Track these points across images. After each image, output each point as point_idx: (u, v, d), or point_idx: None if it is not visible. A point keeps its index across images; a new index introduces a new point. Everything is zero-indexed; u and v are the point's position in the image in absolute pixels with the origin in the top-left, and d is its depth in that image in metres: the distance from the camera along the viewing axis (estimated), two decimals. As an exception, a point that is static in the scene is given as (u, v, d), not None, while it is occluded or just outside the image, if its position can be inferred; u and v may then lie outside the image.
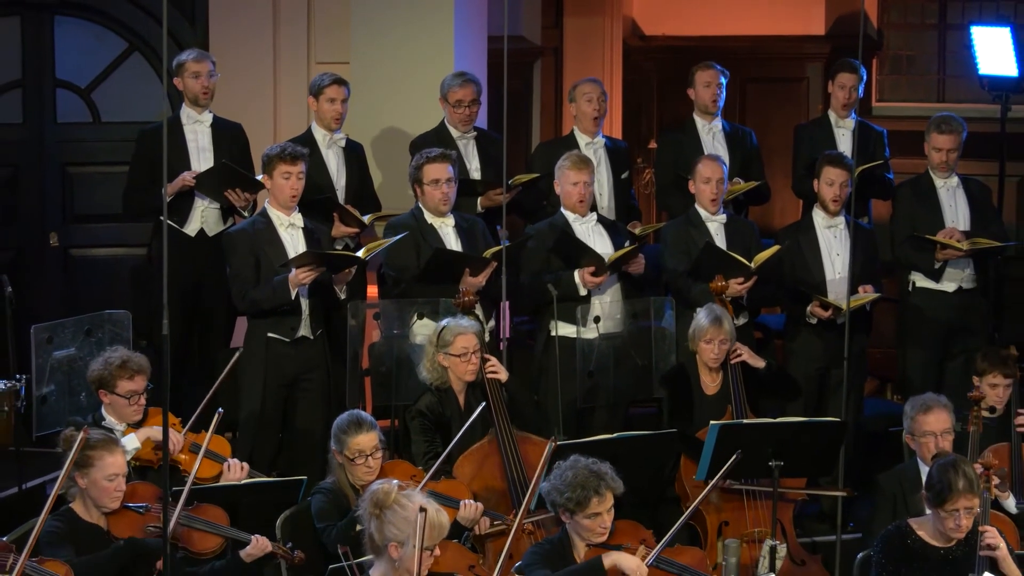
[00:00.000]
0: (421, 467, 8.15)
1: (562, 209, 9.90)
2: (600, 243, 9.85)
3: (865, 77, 11.09)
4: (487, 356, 8.72)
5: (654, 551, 7.18)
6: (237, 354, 8.10)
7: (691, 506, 7.78)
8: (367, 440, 7.80)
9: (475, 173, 10.55)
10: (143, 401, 8.15)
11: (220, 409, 7.74)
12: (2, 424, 9.03)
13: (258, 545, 7.43)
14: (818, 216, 10.11)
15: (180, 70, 10.23)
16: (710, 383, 9.24)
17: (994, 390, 8.80)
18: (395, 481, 6.81)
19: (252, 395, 9.29)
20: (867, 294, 9.83)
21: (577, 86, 10.94)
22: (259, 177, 9.50)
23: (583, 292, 9.72)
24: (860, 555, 7.58)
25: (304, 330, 9.28)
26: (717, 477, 7.93)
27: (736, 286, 9.64)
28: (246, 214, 9.69)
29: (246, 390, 9.30)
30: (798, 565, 8.58)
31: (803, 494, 8.86)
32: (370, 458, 7.79)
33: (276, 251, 9.23)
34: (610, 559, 7.03)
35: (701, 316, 9.19)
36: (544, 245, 9.73)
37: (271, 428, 9.34)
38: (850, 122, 11.04)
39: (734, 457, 7.80)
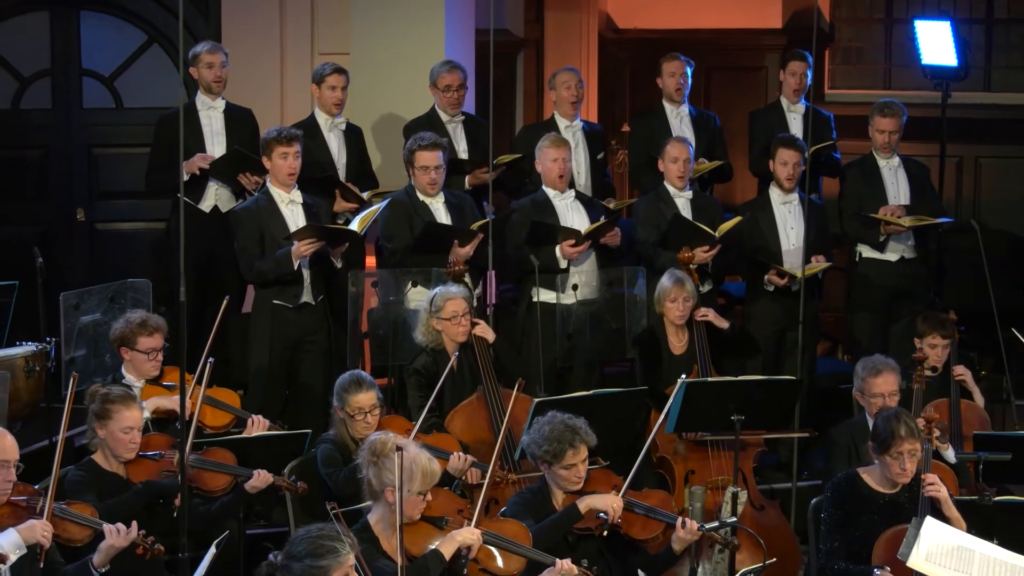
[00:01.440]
0: (415, 419, 8.16)
1: (543, 186, 9.89)
2: (578, 217, 9.85)
3: (812, 65, 11.09)
4: (475, 320, 8.72)
5: (621, 491, 7.17)
6: (226, 300, 8.08)
7: (645, 445, 7.71)
8: (366, 398, 7.81)
9: (463, 154, 10.54)
10: (160, 358, 8.20)
11: (211, 359, 7.70)
12: (34, 383, 9.01)
13: (261, 478, 7.45)
14: (774, 193, 10.11)
15: (195, 60, 10.21)
16: (677, 344, 9.23)
17: (933, 350, 8.80)
18: (391, 433, 6.83)
19: (260, 355, 9.35)
20: (819, 264, 9.83)
21: (556, 75, 10.93)
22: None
23: (563, 265, 9.71)
24: (813, 501, 7.58)
25: (306, 296, 9.31)
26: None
27: (702, 254, 9.63)
28: (257, 194, 9.66)
29: (254, 351, 9.37)
30: (758, 510, 8.58)
31: (770, 436, 8.84)
32: (369, 415, 7.80)
33: (278, 226, 9.25)
34: (584, 503, 7.03)
35: (664, 279, 9.20)
36: (527, 219, 9.71)
37: (278, 385, 9.39)
38: (800, 107, 11.08)
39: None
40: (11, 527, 6.40)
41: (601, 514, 7.04)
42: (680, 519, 7.10)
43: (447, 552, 6.45)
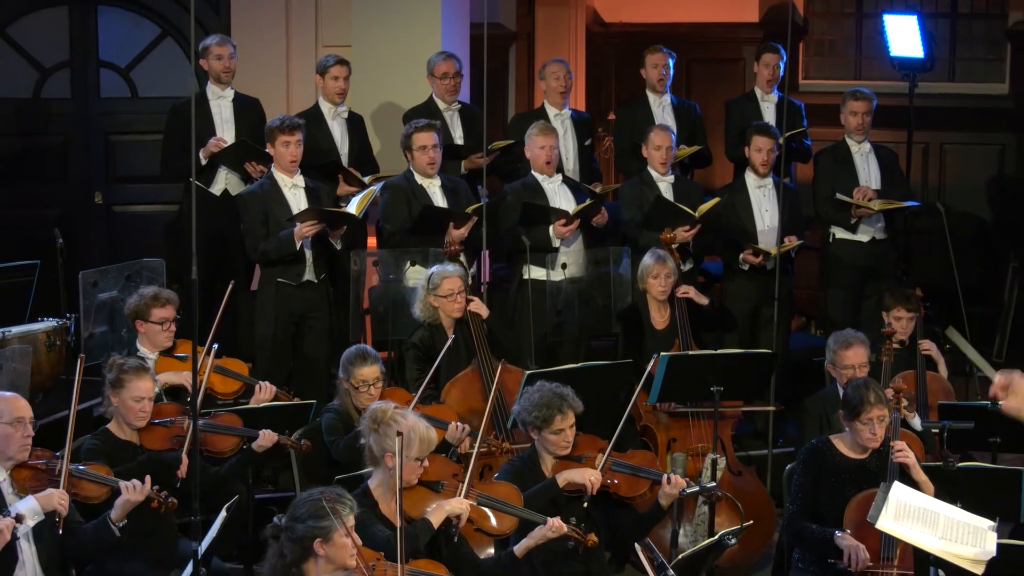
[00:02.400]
0: (413, 391, 8.15)
1: (532, 171, 9.88)
2: (565, 200, 9.85)
3: (785, 57, 11.09)
4: (470, 297, 8.72)
5: (606, 452, 7.17)
6: (231, 284, 8.08)
7: (626, 410, 7.67)
8: (370, 372, 7.83)
9: (459, 141, 10.53)
10: (173, 328, 8.23)
11: (215, 345, 7.68)
12: (55, 356, 8.99)
13: (267, 437, 7.46)
14: (749, 177, 10.13)
15: (205, 53, 10.18)
16: (659, 319, 9.22)
17: (899, 323, 8.81)
18: (392, 402, 6.82)
19: (265, 330, 9.38)
20: (791, 243, 9.84)
21: (547, 65, 10.92)
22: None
23: (556, 244, 9.71)
24: (788, 467, 7.58)
25: (308, 275, 9.34)
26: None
27: (683, 233, 9.63)
28: (262, 179, 9.65)
29: (260, 326, 9.43)
30: (735, 475, 8.58)
31: (740, 411, 8.85)
32: (372, 387, 7.81)
33: (282, 209, 9.28)
34: (563, 478, 6.99)
35: (647, 257, 9.20)
36: (519, 201, 9.69)
37: (283, 357, 9.40)
38: (774, 96, 11.12)
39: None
40: (31, 494, 6.41)
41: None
42: (665, 476, 7.10)
43: (436, 521, 6.44)
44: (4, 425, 6.45)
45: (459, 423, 7.85)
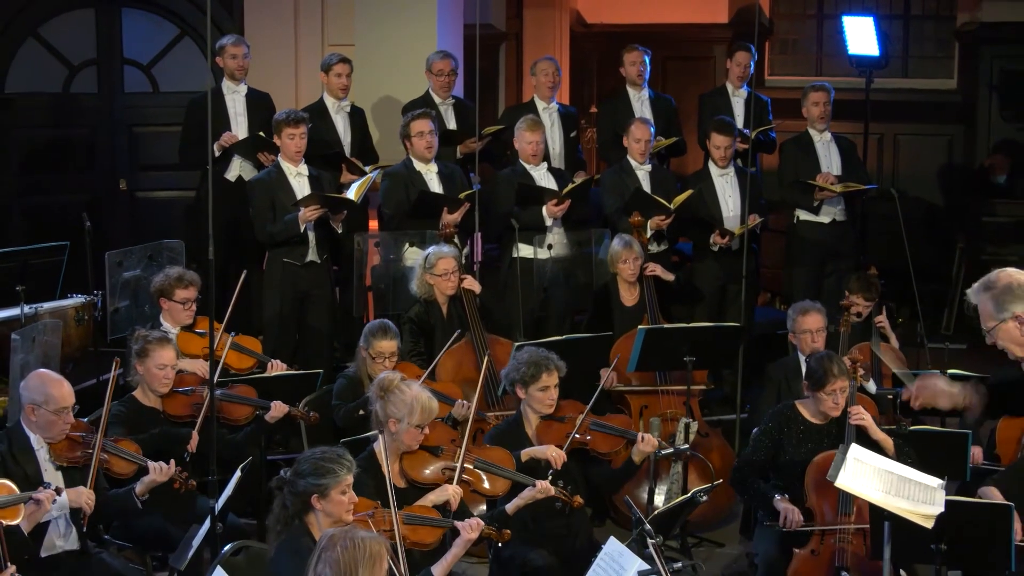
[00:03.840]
0: (407, 360, 8.18)
1: (520, 160, 9.86)
2: (550, 186, 9.80)
3: (756, 57, 11.06)
4: (464, 275, 8.71)
5: (584, 413, 7.17)
6: (244, 274, 8.09)
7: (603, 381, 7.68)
8: (388, 346, 7.86)
9: (453, 130, 10.53)
10: (194, 308, 8.23)
11: (233, 332, 7.83)
12: (84, 330, 9.00)
13: (277, 408, 7.47)
14: (713, 167, 10.10)
15: (221, 51, 10.16)
16: (629, 297, 9.21)
17: (857, 308, 8.79)
18: (399, 372, 6.81)
19: (272, 306, 9.39)
20: (753, 221, 9.82)
21: (537, 63, 10.90)
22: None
23: (548, 223, 9.69)
24: (755, 430, 7.56)
25: (312, 256, 9.33)
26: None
27: (660, 221, 9.61)
28: (270, 167, 9.63)
29: (268, 302, 9.43)
30: (703, 437, 8.58)
31: (695, 387, 8.80)
32: (387, 360, 7.84)
33: (287, 195, 9.28)
34: (526, 453, 6.97)
35: (615, 243, 9.20)
36: (511, 185, 9.67)
37: (289, 330, 9.40)
38: (743, 92, 11.09)
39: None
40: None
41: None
42: (640, 434, 7.12)
43: (434, 500, 6.38)
44: (49, 413, 6.41)
45: (464, 400, 7.84)
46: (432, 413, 6.52)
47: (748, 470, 7.18)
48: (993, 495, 6.15)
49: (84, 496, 6.35)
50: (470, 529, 6.11)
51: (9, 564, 5.57)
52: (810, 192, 10.20)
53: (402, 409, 6.41)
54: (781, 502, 6.92)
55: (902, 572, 6.53)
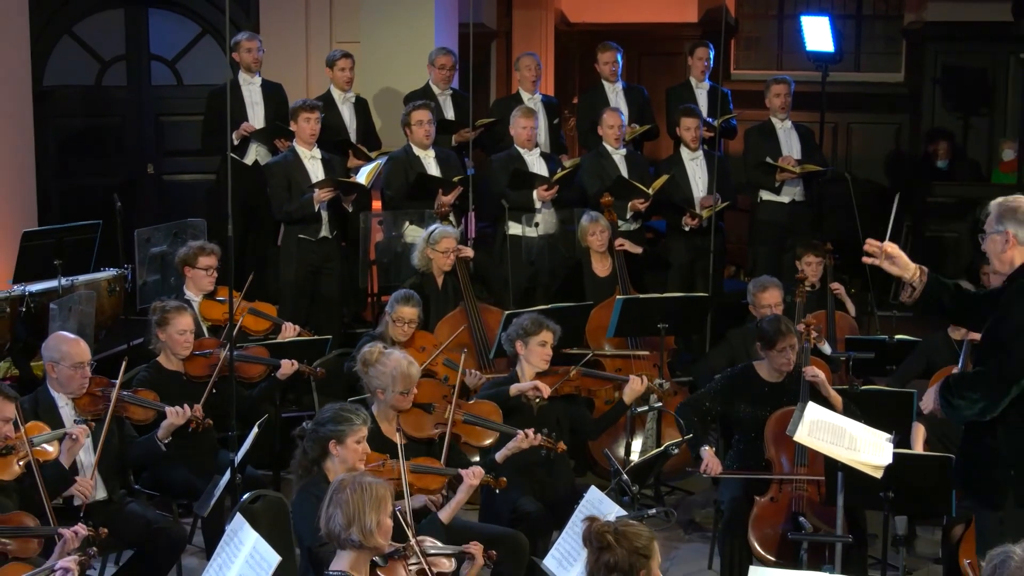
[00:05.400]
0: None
1: (515, 145, 9.84)
2: (540, 169, 9.81)
3: (713, 52, 11.02)
4: (459, 247, 8.71)
5: (578, 364, 7.27)
6: (251, 276, 8.10)
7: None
8: (408, 312, 7.86)
9: (450, 119, 10.47)
10: (215, 275, 8.20)
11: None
12: (115, 300, 8.98)
13: (287, 365, 7.46)
14: (684, 152, 10.08)
15: (237, 47, 10.12)
16: (601, 268, 9.22)
17: (809, 267, 8.77)
18: (380, 344, 6.80)
19: (288, 277, 9.38)
20: (719, 204, 9.81)
21: (520, 58, 10.87)
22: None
23: (538, 205, 9.69)
24: (716, 377, 7.50)
25: (324, 231, 9.33)
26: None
27: (639, 205, 9.63)
28: (286, 151, 9.61)
29: (285, 274, 9.42)
30: (674, 396, 8.59)
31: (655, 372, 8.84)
32: (407, 325, 7.85)
33: (302, 177, 9.26)
34: (516, 388, 7.02)
35: (584, 219, 9.25)
36: (505, 168, 9.65)
37: (303, 299, 9.38)
38: (705, 84, 11.04)
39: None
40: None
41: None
42: (632, 376, 7.23)
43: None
44: (68, 368, 6.43)
45: (476, 371, 7.88)
46: (412, 379, 6.51)
47: (690, 410, 7.17)
48: (918, 431, 6.77)
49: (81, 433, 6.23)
50: (472, 476, 6.14)
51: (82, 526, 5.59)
52: (772, 173, 10.19)
53: (385, 379, 6.46)
54: (706, 451, 6.93)
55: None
